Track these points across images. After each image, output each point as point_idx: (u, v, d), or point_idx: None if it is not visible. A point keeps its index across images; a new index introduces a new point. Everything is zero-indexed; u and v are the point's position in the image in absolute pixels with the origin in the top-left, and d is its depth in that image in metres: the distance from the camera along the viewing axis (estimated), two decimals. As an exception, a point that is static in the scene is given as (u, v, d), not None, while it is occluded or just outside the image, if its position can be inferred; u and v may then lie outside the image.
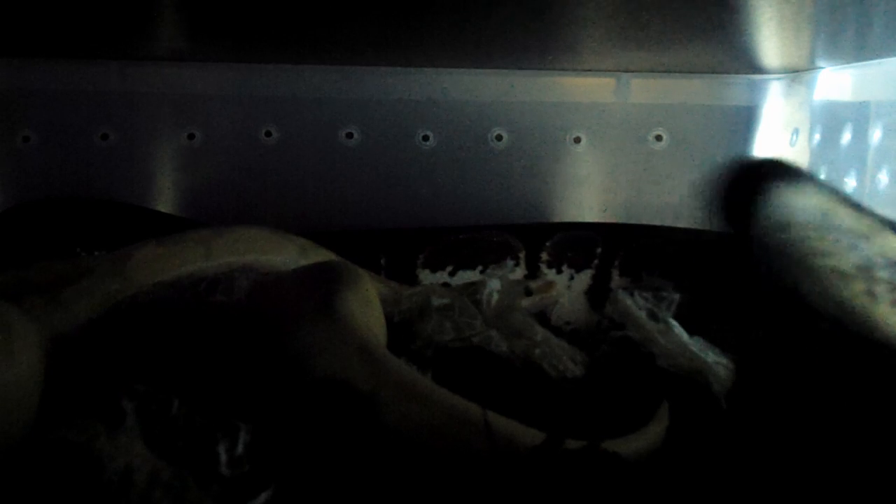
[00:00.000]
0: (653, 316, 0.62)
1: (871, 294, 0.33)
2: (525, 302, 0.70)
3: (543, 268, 0.80)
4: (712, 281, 0.72)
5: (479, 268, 0.80)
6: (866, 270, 0.33)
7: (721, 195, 0.36)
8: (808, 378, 0.52)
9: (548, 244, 0.81)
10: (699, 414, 0.51)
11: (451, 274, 0.79)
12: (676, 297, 0.66)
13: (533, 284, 0.72)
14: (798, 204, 0.33)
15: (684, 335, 0.60)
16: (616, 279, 0.80)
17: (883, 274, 0.33)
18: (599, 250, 0.82)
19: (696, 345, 0.58)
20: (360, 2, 0.56)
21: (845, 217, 0.35)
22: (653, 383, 0.55)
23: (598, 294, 0.78)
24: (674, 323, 0.61)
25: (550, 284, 0.73)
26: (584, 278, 0.81)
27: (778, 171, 0.34)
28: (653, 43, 0.71)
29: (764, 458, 0.45)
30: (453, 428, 0.43)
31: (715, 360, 0.56)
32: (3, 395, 0.41)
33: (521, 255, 0.81)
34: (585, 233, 0.83)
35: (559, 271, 0.80)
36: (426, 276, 0.78)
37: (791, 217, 0.33)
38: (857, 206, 0.36)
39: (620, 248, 0.82)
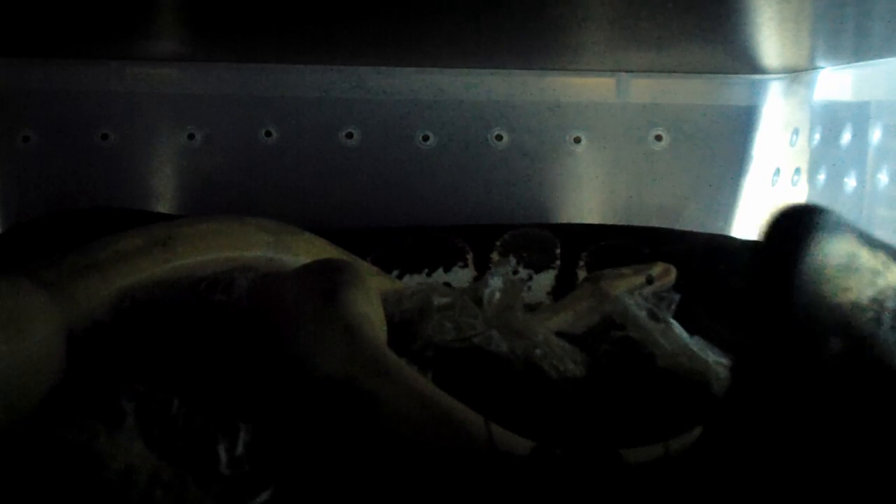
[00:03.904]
0: (653, 316, 0.62)
1: (878, 320, 0.37)
2: (647, 289, 0.69)
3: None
4: (692, 281, 0.72)
5: (426, 270, 0.79)
6: (878, 302, 0.37)
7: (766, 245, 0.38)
8: (807, 381, 0.52)
9: (497, 244, 0.81)
10: (699, 414, 0.51)
11: (399, 277, 0.79)
12: (676, 297, 0.66)
13: (653, 272, 0.71)
14: (831, 250, 0.37)
15: (684, 335, 0.60)
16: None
17: (890, 304, 0.37)
18: (559, 250, 0.81)
19: (696, 345, 0.58)
20: (361, 2, 0.56)
21: (866, 256, 0.39)
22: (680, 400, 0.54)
23: (563, 294, 0.76)
24: (674, 323, 0.61)
25: (669, 270, 0.71)
26: (547, 279, 0.80)
27: (814, 220, 0.36)
28: (653, 43, 0.71)
29: (764, 458, 0.45)
30: (452, 430, 0.43)
31: (715, 360, 0.56)
32: (9, 366, 0.41)
33: (469, 256, 0.80)
34: (541, 233, 0.83)
35: (514, 272, 0.79)
36: None
37: (824, 262, 0.36)
38: (875, 243, 0.40)
39: (584, 247, 0.81)
